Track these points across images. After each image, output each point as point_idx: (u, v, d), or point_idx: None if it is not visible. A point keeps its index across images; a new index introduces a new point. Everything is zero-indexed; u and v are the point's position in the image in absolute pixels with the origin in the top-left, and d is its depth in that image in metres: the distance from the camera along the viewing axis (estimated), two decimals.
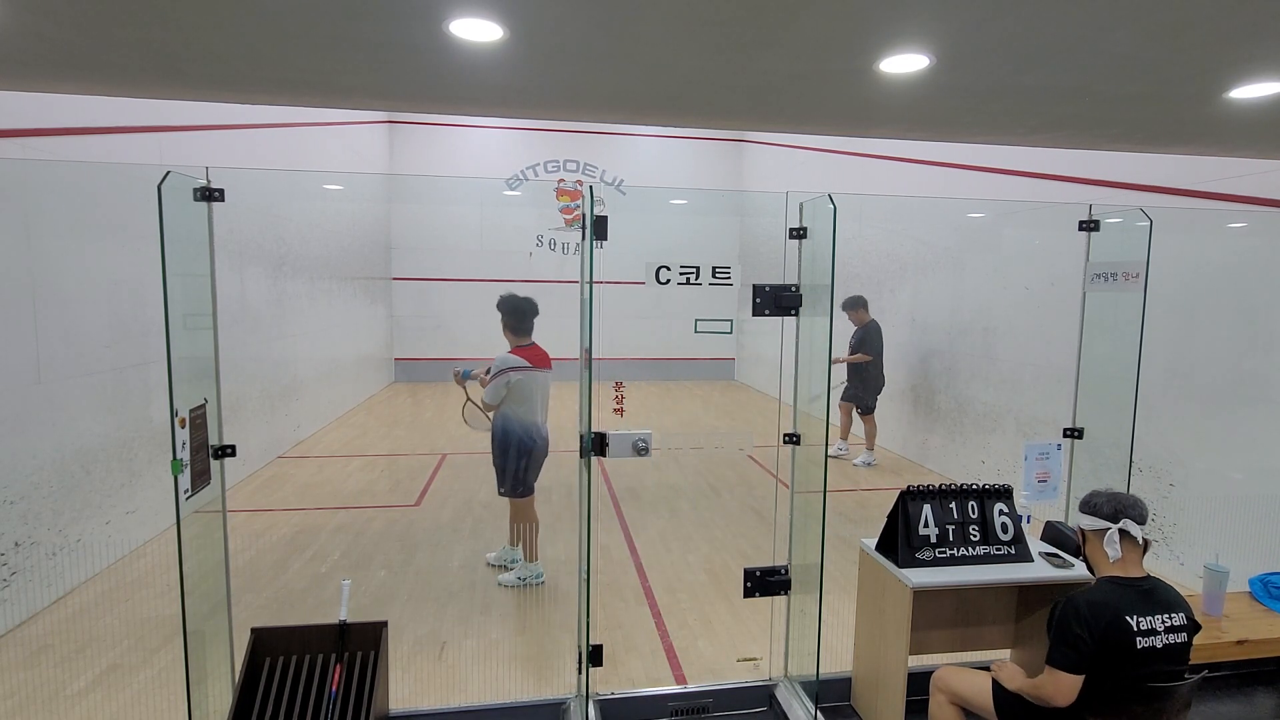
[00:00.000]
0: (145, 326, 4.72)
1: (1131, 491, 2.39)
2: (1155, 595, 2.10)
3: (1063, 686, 2.04)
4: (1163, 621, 2.04)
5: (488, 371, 4.13)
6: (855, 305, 7.38)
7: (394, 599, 4.10)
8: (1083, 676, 2.03)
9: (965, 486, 2.83)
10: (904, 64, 2.29)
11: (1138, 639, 2.01)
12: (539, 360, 4.18)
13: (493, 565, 4.56)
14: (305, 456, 7.35)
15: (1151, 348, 3.26)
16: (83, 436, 4.27)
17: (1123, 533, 2.14)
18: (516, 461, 4.21)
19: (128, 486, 4.65)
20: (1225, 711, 3.05)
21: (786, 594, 3.00)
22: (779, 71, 2.41)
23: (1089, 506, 2.23)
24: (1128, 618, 2.02)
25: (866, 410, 7.35)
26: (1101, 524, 2.18)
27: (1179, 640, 2.05)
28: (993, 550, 2.76)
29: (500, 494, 4.31)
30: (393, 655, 3.00)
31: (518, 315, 4.17)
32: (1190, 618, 2.10)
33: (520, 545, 4.40)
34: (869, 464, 7.26)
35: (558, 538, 5.10)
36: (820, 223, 2.70)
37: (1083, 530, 2.26)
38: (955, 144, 4.03)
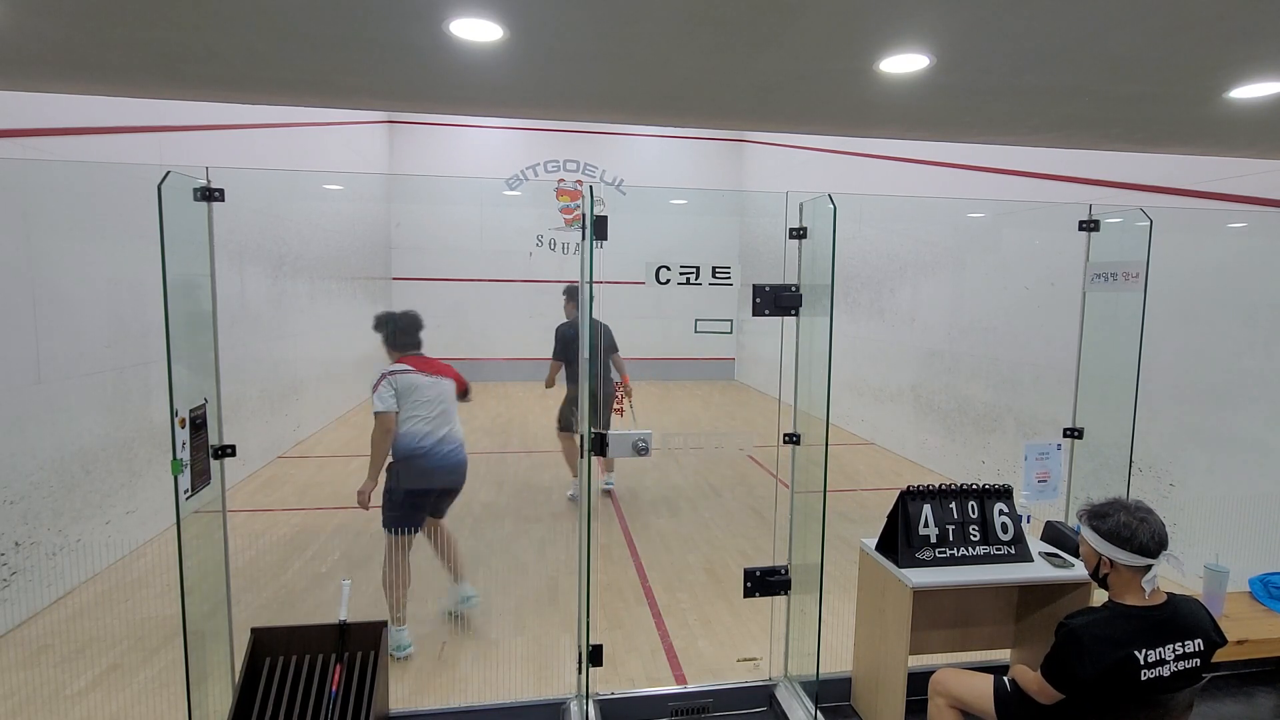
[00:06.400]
0: (145, 326, 4.72)
1: (1132, 494, 2.38)
2: (1172, 623, 1.99)
3: (1047, 694, 2.09)
4: (1174, 650, 1.95)
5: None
6: (574, 296, 5.65)
7: None
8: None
9: (965, 486, 2.82)
10: (904, 64, 2.29)
11: (1143, 671, 1.93)
12: (425, 366, 3.63)
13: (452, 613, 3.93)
14: (305, 456, 7.35)
15: (1151, 348, 3.26)
16: (83, 436, 4.27)
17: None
18: (391, 478, 3.55)
19: (128, 486, 4.65)
20: (1225, 711, 3.04)
21: (786, 594, 3.00)
22: (778, 71, 2.41)
23: (1119, 539, 2.01)
24: (1136, 652, 1.93)
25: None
26: (1140, 560, 1.99)
27: (1190, 665, 1.97)
28: (993, 550, 2.76)
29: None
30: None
31: (388, 331, 3.65)
32: (1210, 639, 2.00)
33: (461, 579, 3.86)
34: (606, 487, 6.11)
35: (558, 538, 5.10)
36: (820, 223, 2.70)
37: (1110, 560, 2.05)
38: (955, 144, 4.02)
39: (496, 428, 8.67)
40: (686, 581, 4.42)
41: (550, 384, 5.67)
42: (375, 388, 3.54)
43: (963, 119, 3.05)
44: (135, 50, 2.27)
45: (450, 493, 3.76)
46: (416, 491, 3.58)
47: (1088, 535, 2.11)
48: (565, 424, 5.81)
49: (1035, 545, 2.88)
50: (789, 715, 2.90)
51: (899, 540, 2.71)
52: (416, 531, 3.64)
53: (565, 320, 5.70)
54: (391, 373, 3.56)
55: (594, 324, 5.47)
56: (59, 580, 4.05)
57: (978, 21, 1.93)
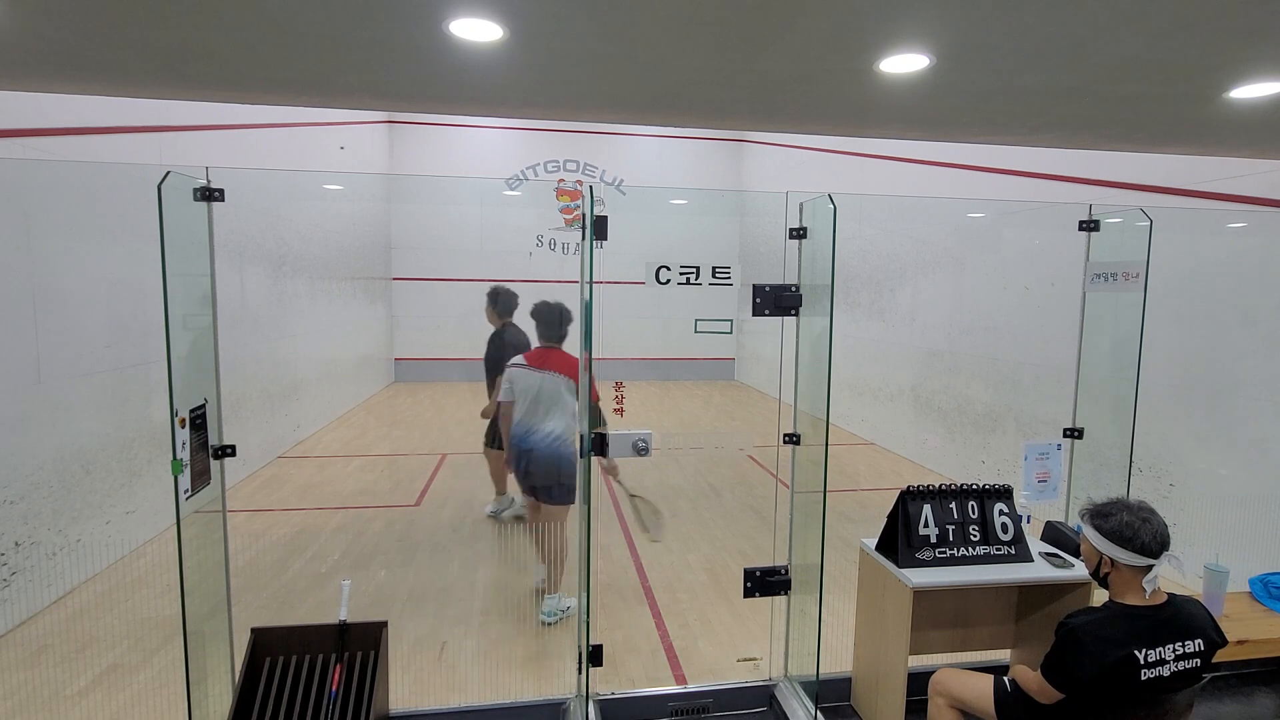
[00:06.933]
0: (145, 326, 4.72)
1: (1132, 493, 2.37)
2: (1172, 623, 1.99)
3: (1048, 694, 2.09)
4: (1174, 650, 1.96)
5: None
6: (496, 302, 5.51)
7: (394, 599, 4.10)
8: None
9: (965, 486, 2.82)
10: (904, 64, 2.29)
11: (1143, 670, 1.93)
12: (541, 360, 3.96)
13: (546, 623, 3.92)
14: (305, 456, 7.35)
15: (1151, 347, 3.26)
16: (83, 436, 4.27)
17: None
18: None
19: (128, 486, 4.65)
20: (1225, 711, 3.04)
21: (786, 594, 3.00)
22: (779, 71, 2.41)
23: (1121, 538, 2.02)
24: (1136, 651, 1.93)
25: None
26: (1142, 560, 2.00)
27: (1189, 666, 1.97)
28: (993, 550, 2.76)
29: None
30: (393, 655, 3.00)
31: (536, 320, 4.06)
32: (1210, 639, 2.00)
33: (553, 591, 3.98)
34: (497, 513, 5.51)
35: None
36: (820, 223, 2.70)
37: (1111, 559, 2.06)
38: (955, 144, 4.02)
39: None
40: (686, 581, 4.42)
41: (489, 414, 4.88)
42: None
43: (963, 119, 3.05)
44: (135, 50, 2.28)
45: (551, 481, 3.95)
46: (518, 471, 4.02)
47: (1090, 534, 2.11)
48: (496, 440, 5.22)
49: (1035, 545, 2.88)
50: (789, 715, 2.90)
51: (899, 540, 2.71)
52: (541, 502, 3.99)
53: (494, 330, 5.22)
54: (511, 365, 4.04)
55: (517, 330, 5.41)
56: (59, 580, 4.05)
57: (978, 21, 1.93)
